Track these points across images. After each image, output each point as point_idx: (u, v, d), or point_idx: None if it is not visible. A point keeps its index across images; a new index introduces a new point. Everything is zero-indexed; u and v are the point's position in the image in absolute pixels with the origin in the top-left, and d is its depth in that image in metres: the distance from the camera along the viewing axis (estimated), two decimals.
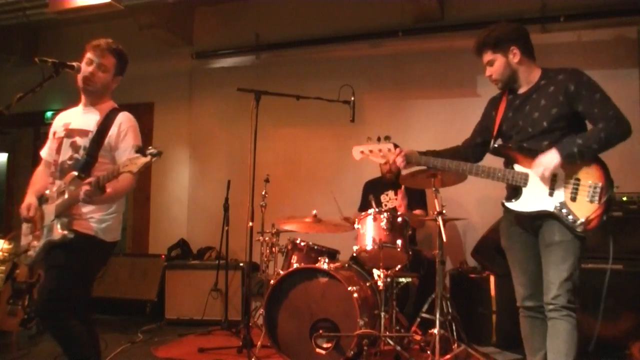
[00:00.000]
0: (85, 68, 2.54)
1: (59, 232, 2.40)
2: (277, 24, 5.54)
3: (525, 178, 2.39)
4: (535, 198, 2.37)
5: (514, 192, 2.44)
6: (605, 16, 4.43)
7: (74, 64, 2.48)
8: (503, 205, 2.49)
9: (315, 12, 5.39)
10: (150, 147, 2.17)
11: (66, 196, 2.42)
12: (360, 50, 5.25)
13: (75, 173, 2.43)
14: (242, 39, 5.64)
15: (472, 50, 2.54)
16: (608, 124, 2.26)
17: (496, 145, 2.50)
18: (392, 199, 4.34)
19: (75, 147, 2.53)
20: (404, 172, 3.21)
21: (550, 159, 2.29)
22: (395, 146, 2.68)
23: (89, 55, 2.56)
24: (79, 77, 2.55)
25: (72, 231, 2.42)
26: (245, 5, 5.70)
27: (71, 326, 2.41)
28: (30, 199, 2.58)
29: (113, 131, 2.53)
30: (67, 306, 2.39)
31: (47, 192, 2.55)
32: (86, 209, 2.48)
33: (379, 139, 2.69)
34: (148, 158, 2.15)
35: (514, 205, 2.42)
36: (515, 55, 2.44)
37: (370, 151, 2.70)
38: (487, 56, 2.49)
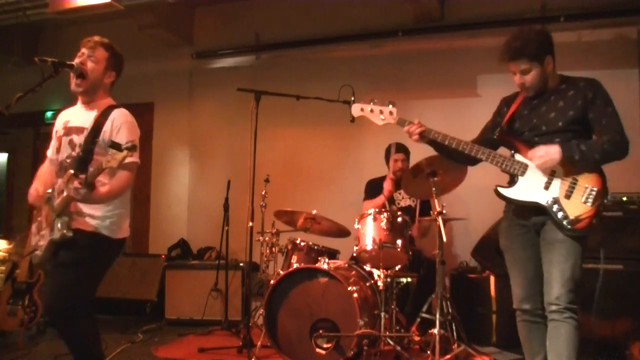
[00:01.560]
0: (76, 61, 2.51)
1: (59, 231, 2.38)
2: (277, 24, 5.54)
3: (524, 168, 2.41)
4: (529, 188, 2.39)
5: (510, 180, 2.47)
6: (605, 16, 4.43)
7: (74, 63, 2.47)
8: (496, 191, 2.48)
9: (315, 12, 5.39)
10: (127, 142, 2.20)
11: (64, 194, 2.40)
12: (360, 50, 5.25)
13: (72, 171, 2.40)
14: (242, 39, 5.64)
15: (501, 55, 2.45)
16: (613, 139, 2.30)
17: (497, 134, 2.50)
18: (405, 197, 4.34)
19: (72, 145, 2.52)
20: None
21: (551, 150, 2.32)
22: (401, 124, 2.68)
23: (81, 50, 2.55)
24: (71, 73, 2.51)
25: (71, 230, 2.39)
26: (245, 5, 5.70)
27: (80, 325, 2.39)
28: (36, 184, 2.56)
29: (107, 127, 2.51)
30: (75, 305, 2.36)
31: (50, 190, 2.52)
32: (87, 207, 2.46)
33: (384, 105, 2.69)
34: (124, 153, 2.17)
35: (506, 192, 2.45)
36: (549, 65, 2.44)
37: (371, 110, 2.70)
38: (522, 65, 2.42)
